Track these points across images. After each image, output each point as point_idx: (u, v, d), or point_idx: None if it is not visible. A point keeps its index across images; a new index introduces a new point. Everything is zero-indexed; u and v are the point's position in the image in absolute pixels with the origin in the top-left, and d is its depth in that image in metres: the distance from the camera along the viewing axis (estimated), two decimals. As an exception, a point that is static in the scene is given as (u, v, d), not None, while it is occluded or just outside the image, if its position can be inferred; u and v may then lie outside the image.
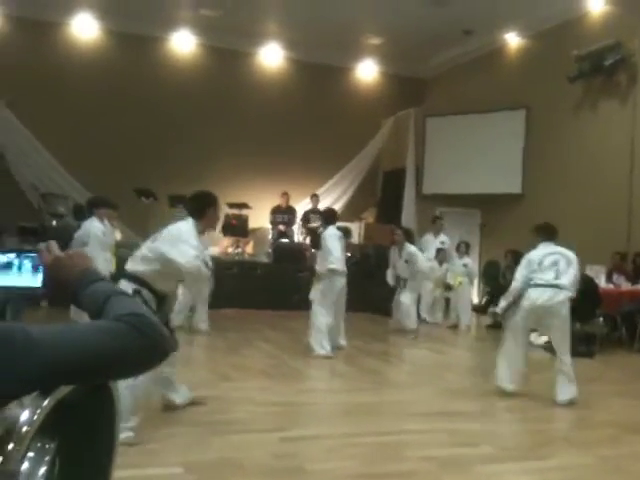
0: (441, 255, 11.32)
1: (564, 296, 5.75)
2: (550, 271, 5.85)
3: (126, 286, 4.10)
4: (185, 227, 4.44)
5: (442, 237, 11.56)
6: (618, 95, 11.48)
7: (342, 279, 7.81)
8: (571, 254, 6.02)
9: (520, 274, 6.03)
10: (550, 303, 5.73)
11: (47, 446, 1.25)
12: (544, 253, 6.01)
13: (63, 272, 1.55)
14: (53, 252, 1.59)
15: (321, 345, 7.48)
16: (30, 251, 1.68)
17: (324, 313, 7.63)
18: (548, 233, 6.21)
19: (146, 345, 1.31)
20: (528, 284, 5.91)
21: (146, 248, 4.40)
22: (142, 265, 4.31)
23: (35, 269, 1.67)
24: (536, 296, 5.79)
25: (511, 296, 6.11)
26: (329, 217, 8.26)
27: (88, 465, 1.39)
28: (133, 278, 4.28)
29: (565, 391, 5.71)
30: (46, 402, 1.20)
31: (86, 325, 1.32)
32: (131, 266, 4.36)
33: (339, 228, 8.25)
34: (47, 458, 1.24)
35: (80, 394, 1.29)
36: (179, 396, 4.86)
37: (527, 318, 5.90)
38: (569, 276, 5.84)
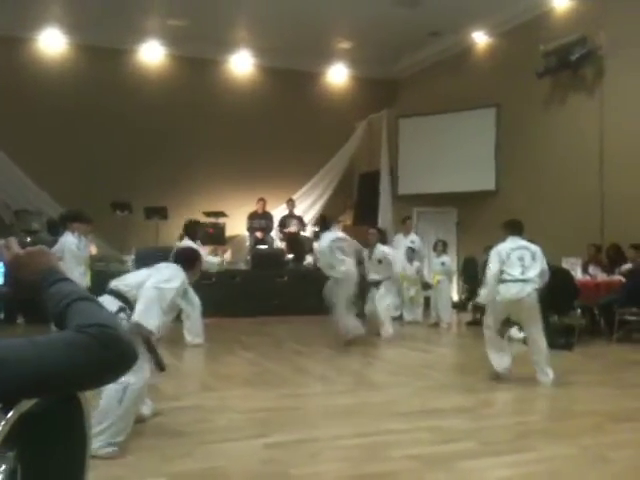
0: (408, 253, 11.37)
1: (530, 288, 6.32)
2: (517, 266, 6.40)
3: (111, 302, 4.17)
4: (180, 275, 4.56)
5: (412, 236, 11.60)
6: (585, 89, 11.62)
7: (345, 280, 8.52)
8: (535, 247, 6.58)
9: (494, 264, 6.52)
10: (519, 296, 6.32)
11: (4, 455, 1.23)
12: (511, 247, 6.54)
13: (23, 270, 1.52)
14: (12, 249, 1.55)
15: (347, 330, 8.52)
16: None
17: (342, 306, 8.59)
18: (515, 228, 6.78)
19: (109, 358, 1.29)
20: (497, 279, 6.45)
21: (143, 276, 4.45)
22: (133, 289, 4.37)
23: None
24: (505, 290, 6.38)
25: (490, 285, 6.57)
26: (321, 224, 9.25)
27: (55, 475, 1.37)
28: (120, 296, 4.34)
29: (547, 372, 6.27)
30: (10, 414, 1.18)
31: (49, 338, 1.29)
32: (121, 285, 4.42)
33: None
34: (4, 467, 1.22)
35: (46, 405, 1.28)
36: (147, 408, 4.86)
37: (500, 311, 6.50)
38: (535, 270, 6.40)
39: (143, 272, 4.57)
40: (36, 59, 13.72)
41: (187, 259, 4.87)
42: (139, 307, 4.20)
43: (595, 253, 10.39)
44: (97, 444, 3.90)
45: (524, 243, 6.62)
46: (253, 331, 9.98)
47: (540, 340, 6.45)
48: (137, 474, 3.75)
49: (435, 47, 14.83)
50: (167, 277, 4.42)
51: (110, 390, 4.07)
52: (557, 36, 11.67)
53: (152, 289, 4.27)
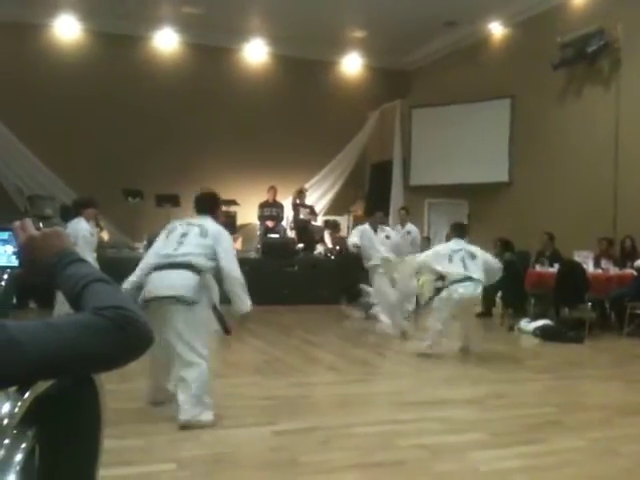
0: (424, 243, 11.42)
1: (481, 288, 7.08)
2: (459, 266, 7.04)
3: (194, 278, 4.37)
4: (225, 231, 4.72)
5: (408, 227, 11.53)
6: (601, 81, 11.53)
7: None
8: (473, 247, 7.32)
9: (426, 255, 7.58)
10: (473, 295, 7.05)
11: (24, 433, 1.24)
12: (453, 249, 7.23)
13: (37, 252, 1.51)
14: (28, 231, 1.54)
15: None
16: (4, 230, 1.61)
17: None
18: (459, 231, 7.55)
19: (126, 340, 1.30)
20: (451, 280, 7.06)
21: (198, 245, 4.54)
22: (204, 260, 4.49)
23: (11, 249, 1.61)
24: (462, 291, 6.94)
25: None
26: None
27: (70, 456, 1.38)
28: (199, 270, 4.45)
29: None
30: (26, 395, 1.19)
31: (65, 321, 1.30)
32: (195, 258, 4.47)
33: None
34: (24, 445, 1.23)
35: (62, 387, 1.29)
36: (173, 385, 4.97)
37: (452, 308, 7.11)
38: (477, 268, 7.05)
39: (196, 242, 4.54)
40: (50, 46, 13.75)
41: (211, 204, 4.90)
42: (238, 290, 4.55)
43: (607, 247, 10.32)
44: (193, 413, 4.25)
45: (465, 245, 7.28)
46: (263, 319, 9.94)
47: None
48: (146, 459, 3.76)
49: (450, 37, 14.72)
50: (228, 239, 4.65)
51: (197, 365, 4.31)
52: (573, 28, 11.57)
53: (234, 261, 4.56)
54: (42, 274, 1.50)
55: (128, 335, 1.30)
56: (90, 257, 6.99)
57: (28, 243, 1.53)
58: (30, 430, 1.26)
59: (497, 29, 14.05)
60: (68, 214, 8.79)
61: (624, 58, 11.08)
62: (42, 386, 1.24)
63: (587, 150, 11.63)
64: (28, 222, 1.56)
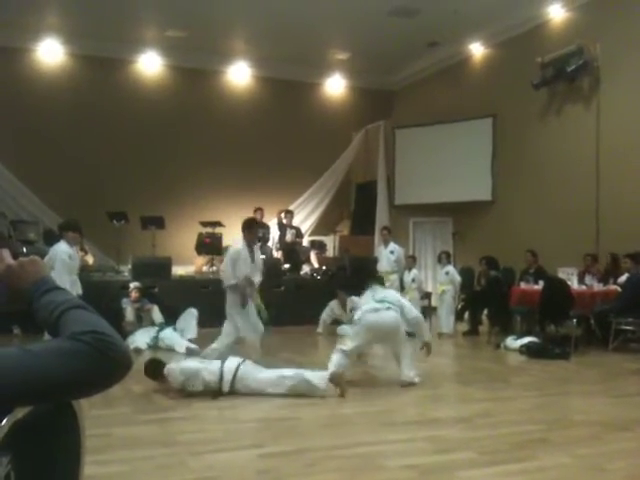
0: (408, 262, 11.45)
1: None
2: None
3: None
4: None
5: (391, 246, 11.58)
6: (582, 100, 11.68)
7: None
8: None
9: None
10: None
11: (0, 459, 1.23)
12: None
13: (15, 281, 1.50)
14: (5, 261, 1.53)
15: None
16: None
17: None
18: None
19: (105, 365, 1.28)
20: None
21: None
22: None
23: None
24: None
25: None
26: None
27: None
28: None
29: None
30: (4, 422, 1.18)
31: (43, 346, 1.28)
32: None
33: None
34: None
35: (40, 413, 1.27)
36: None
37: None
38: None
39: None
40: (34, 69, 13.74)
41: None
42: None
43: (591, 263, 10.39)
44: None
45: None
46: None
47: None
48: (132, 484, 3.73)
49: (432, 58, 14.88)
50: None
51: None
52: (553, 47, 11.74)
53: None
54: (22, 302, 1.49)
55: (107, 360, 1.28)
56: (67, 280, 6.97)
57: (6, 273, 1.52)
58: (5, 457, 1.24)
59: (478, 50, 14.21)
60: (52, 238, 8.79)
61: (603, 76, 11.23)
62: (20, 413, 1.22)
63: (569, 167, 11.74)
64: (5, 252, 1.55)
